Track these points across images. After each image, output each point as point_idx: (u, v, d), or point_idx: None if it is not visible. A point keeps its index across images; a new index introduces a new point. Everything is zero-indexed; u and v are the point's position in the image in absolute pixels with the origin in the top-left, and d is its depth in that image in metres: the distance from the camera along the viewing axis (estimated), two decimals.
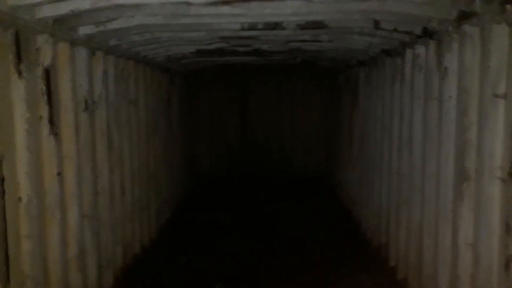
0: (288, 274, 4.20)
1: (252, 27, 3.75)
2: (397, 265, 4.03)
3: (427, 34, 3.42)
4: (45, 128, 2.92)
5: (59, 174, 3.01)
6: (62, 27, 2.95)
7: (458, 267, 2.81)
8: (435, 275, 3.16)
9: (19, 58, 2.65)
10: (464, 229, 2.77)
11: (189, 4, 2.93)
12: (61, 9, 2.65)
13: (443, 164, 3.11)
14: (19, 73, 2.66)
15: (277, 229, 5.66)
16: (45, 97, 2.92)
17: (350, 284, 3.94)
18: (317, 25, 3.72)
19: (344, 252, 4.77)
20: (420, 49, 3.62)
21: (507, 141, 2.34)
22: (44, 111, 2.90)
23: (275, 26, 3.78)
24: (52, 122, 2.96)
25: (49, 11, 2.65)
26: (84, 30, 3.21)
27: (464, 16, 2.82)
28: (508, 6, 2.36)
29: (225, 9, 3.01)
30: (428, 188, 3.36)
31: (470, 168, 2.74)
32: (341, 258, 4.60)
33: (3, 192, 2.50)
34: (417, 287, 3.51)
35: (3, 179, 2.49)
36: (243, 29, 3.77)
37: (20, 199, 2.66)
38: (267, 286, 3.95)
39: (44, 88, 2.91)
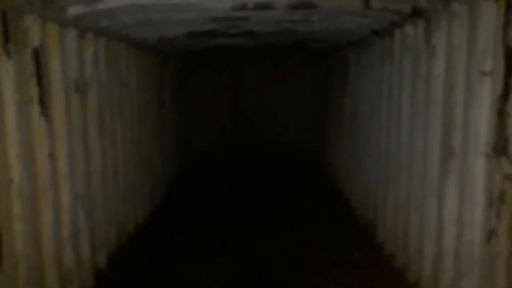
0: (282, 250, 4.23)
1: (243, 6, 3.68)
2: (384, 241, 4.08)
3: (416, 13, 3.37)
4: (36, 110, 2.86)
5: (51, 155, 2.97)
6: (50, 7, 2.87)
7: (443, 241, 2.84)
8: (421, 249, 3.19)
9: (6, 38, 2.58)
10: (449, 205, 2.79)
11: None
12: None
13: (429, 141, 3.11)
14: (7, 53, 2.59)
15: (268, 206, 5.69)
16: (35, 78, 2.86)
17: (340, 259, 3.99)
18: (308, 5, 3.65)
19: (334, 229, 4.82)
20: (409, 29, 3.58)
21: (492, 117, 2.33)
22: (34, 92, 2.84)
23: (266, 6, 3.71)
24: (43, 103, 2.91)
25: None
26: (73, 11, 3.12)
27: None
28: None
29: None
30: (415, 166, 3.37)
31: (456, 145, 2.74)
32: (331, 234, 4.64)
33: None
34: (403, 261, 3.55)
35: None
36: (234, 8, 3.70)
37: (11, 180, 2.63)
38: (262, 261, 3.98)
39: (33, 69, 2.85)
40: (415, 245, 3.33)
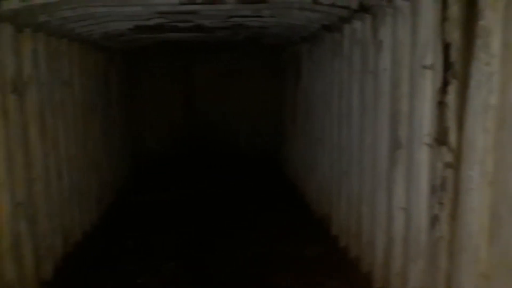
0: (239, 250, 4.31)
1: (191, 1, 3.71)
2: (339, 234, 4.26)
3: (363, 8, 3.55)
4: None
5: None
6: None
7: (393, 230, 3.02)
8: (373, 240, 3.38)
9: None
10: (397, 195, 2.97)
11: None
12: None
13: (378, 134, 3.29)
14: None
15: (224, 206, 5.75)
16: None
17: (297, 255, 4.12)
18: (258, 0, 3.75)
19: (290, 224, 4.96)
20: (357, 24, 3.76)
21: (434, 109, 2.52)
22: None
23: (215, 0, 3.77)
24: None
25: None
26: (8, 5, 3.02)
27: None
28: None
29: None
30: (365, 158, 3.56)
31: (402, 136, 2.93)
32: (288, 230, 4.78)
33: None
34: (357, 252, 3.74)
35: None
36: (181, 3, 3.72)
37: None
38: (218, 264, 4.03)
39: None
40: (367, 235, 3.52)
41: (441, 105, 2.43)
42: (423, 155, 2.63)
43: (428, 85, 2.59)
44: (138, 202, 6.01)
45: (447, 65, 2.38)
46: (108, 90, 6.10)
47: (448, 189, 2.35)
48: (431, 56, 2.55)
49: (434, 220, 2.47)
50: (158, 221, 5.25)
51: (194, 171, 7.67)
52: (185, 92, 8.85)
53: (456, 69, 2.30)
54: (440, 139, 2.43)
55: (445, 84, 2.40)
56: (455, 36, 2.31)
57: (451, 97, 2.34)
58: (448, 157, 2.35)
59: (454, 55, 2.32)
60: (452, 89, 2.33)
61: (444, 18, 2.39)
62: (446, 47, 2.38)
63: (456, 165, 2.29)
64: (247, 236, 4.66)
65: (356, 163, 3.77)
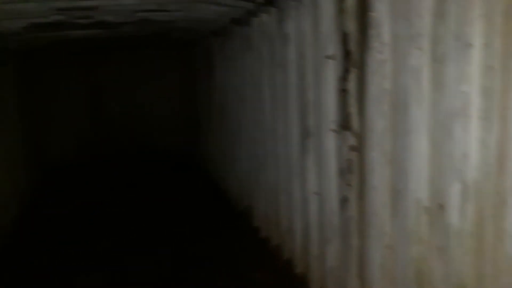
0: (162, 255, 4.26)
1: None
2: (260, 225, 4.40)
3: (269, 2, 3.69)
4: None
5: None
6: None
7: (308, 215, 3.21)
8: (291, 227, 3.55)
9: None
10: (310, 180, 3.16)
11: None
12: None
13: (289, 124, 3.46)
14: None
15: (144, 210, 5.63)
16: None
17: (220, 251, 4.18)
18: None
19: (213, 221, 5.01)
20: (264, 17, 3.89)
21: (337, 97, 2.72)
22: None
23: None
24: None
25: None
26: None
27: None
28: None
29: None
30: (279, 149, 3.72)
31: (311, 125, 3.11)
32: (211, 227, 4.83)
33: None
34: (277, 241, 3.90)
35: None
36: None
37: None
38: (142, 271, 3.95)
39: None
40: (286, 223, 3.68)
41: (343, 92, 2.63)
42: (330, 141, 2.82)
43: (331, 74, 2.78)
44: (46, 215, 5.65)
45: (346, 54, 2.58)
46: (1, 98, 5.63)
47: (354, 171, 2.55)
48: (332, 46, 2.74)
49: (344, 201, 2.67)
50: (68, 233, 4.98)
51: (107, 178, 7.36)
52: (92, 94, 8.45)
53: (354, 58, 2.50)
54: (344, 124, 2.63)
55: (345, 72, 2.60)
56: (351, 27, 2.51)
57: (352, 84, 2.54)
58: (352, 141, 2.56)
59: (352, 45, 2.52)
60: (352, 77, 2.53)
61: (341, 10, 2.59)
62: (345, 38, 2.58)
63: (359, 148, 2.50)
64: (169, 239, 4.61)
65: (271, 154, 3.92)
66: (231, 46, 5.13)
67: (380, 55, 2.27)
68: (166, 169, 7.70)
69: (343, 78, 2.62)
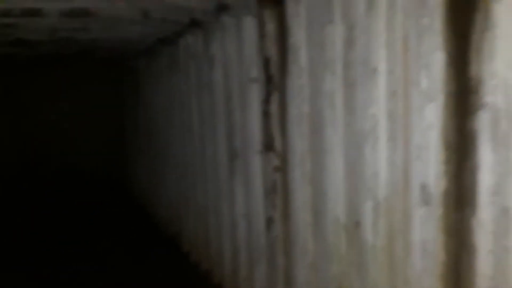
0: (78, 281, 4.07)
1: (7, 13, 3.46)
2: (190, 250, 4.37)
3: (195, 24, 3.76)
4: None
5: None
6: None
7: (237, 237, 3.25)
8: (220, 250, 3.57)
9: None
10: (238, 202, 3.21)
11: None
12: None
13: (218, 146, 3.51)
14: None
15: (67, 240, 5.35)
16: None
17: (149, 278, 4.09)
18: (83, 13, 3.66)
19: (140, 247, 4.89)
20: (191, 38, 3.95)
21: (261, 119, 2.81)
22: None
23: (35, 12, 3.57)
24: None
25: None
26: None
27: (222, 8, 3.22)
28: (252, 1, 2.81)
29: None
30: (208, 171, 3.74)
31: (238, 146, 3.18)
32: (137, 254, 4.70)
33: None
34: (207, 265, 3.89)
35: None
36: None
37: None
38: None
39: None
40: (215, 246, 3.69)
41: (266, 114, 2.73)
42: (256, 162, 2.90)
43: (255, 97, 2.88)
44: None
45: (268, 78, 2.69)
46: None
47: (279, 191, 2.64)
48: (256, 70, 2.85)
49: (270, 222, 2.74)
50: None
51: (28, 207, 6.92)
52: (11, 117, 7.99)
53: (275, 81, 2.62)
54: (268, 146, 2.72)
55: (268, 95, 2.70)
56: (272, 51, 2.63)
57: (274, 107, 2.65)
58: (276, 162, 2.65)
59: (273, 69, 2.63)
60: (274, 99, 2.64)
61: (262, 35, 2.71)
62: (267, 62, 2.70)
63: (283, 169, 2.60)
64: (95, 270, 4.41)
65: (200, 176, 3.93)
66: (158, 66, 5.13)
67: (299, 80, 2.40)
68: (90, 192, 7.41)
69: (266, 101, 2.72)
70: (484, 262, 1.50)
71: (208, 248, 3.86)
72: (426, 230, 1.69)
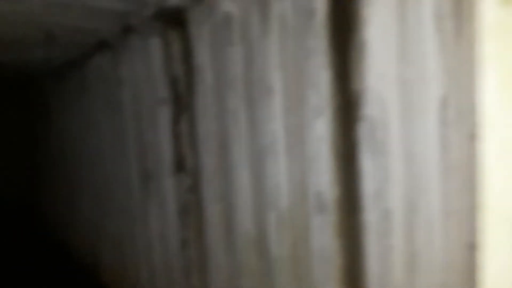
0: None
1: None
2: (107, 279, 4.22)
3: (103, 45, 3.73)
4: None
5: None
6: None
7: (153, 261, 3.22)
8: (137, 275, 3.50)
9: None
10: (153, 224, 3.19)
11: None
12: None
13: (130, 169, 3.48)
14: None
15: None
16: None
17: None
18: None
19: (53, 280, 4.63)
20: (99, 60, 3.91)
21: (172, 139, 2.85)
22: None
23: None
24: None
25: None
26: None
27: (128, 29, 3.24)
28: (157, 23, 2.87)
29: None
30: (121, 194, 3.68)
31: (151, 168, 3.18)
32: (53, 285, 4.46)
33: None
34: None
35: None
36: None
37: None
38: None
39: None
40: (132, 273, 3.62)
41: (176, 134, 2.78)
42: (169, 183, 2.92)
43: (165, 117, 2.92)
44: None
45: (177, 98, 2.75)
46: None
47: (192, 211, 2.69)
48: (164, 90, 2.89)
49: (184, 242, 2.77)
50: None
51: None
52: None
53: (184, 101, 2.68)
54: (180, 166, 2.77)
55: (177, 115, 2.76)
56: (179, 71, 2.70)
57: (183, 126, 2.71)
58: (188, 182, 2.70)
59: (181, 89, 2.70)
60: (183, 119, 2.70)
61: (169, 56, 2.77)
62: (174, 82, 2.76)
63: (195, 188, 2.65)
64: None
65: (114, 201, 3.85)
66: (67, 88, 4.98)
67: (205, 99, 2.48)
68: (0, 221, 6.91)
69: (176, 121, 2.78)
70: (372, 262, 1.66)
71: (125, 276, 3.77)
72: (323, 236, 1.83)
